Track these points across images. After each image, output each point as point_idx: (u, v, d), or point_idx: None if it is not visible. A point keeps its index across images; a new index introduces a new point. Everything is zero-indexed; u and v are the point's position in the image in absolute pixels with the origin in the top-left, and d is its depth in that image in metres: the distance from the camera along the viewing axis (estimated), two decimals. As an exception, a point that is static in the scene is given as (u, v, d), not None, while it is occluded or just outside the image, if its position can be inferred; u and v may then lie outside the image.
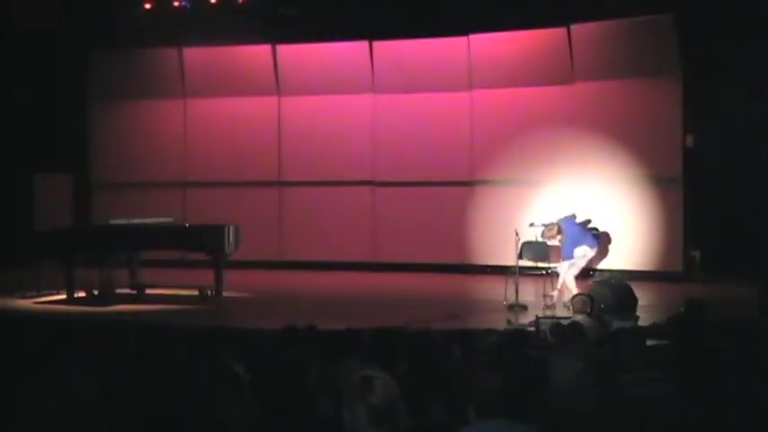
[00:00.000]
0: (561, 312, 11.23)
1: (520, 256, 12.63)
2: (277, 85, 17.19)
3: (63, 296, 13.06)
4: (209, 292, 13.24)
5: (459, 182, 16.31)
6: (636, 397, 4.61)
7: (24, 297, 13.02)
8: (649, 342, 6.25)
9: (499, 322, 10.76)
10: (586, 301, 10.65)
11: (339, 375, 4.55)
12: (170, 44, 17.30)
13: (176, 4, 17.00)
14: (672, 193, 14.77)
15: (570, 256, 12.46)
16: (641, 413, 4.47)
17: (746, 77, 13.73)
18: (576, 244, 12.52)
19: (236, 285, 13.71)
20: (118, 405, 4.13)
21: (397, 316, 10.89)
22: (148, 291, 13.50)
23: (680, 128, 14.71)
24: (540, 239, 12.76)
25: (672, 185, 14.76)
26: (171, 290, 13.48)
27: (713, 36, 14.10)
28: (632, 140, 14.91)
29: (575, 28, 15.29)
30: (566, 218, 12.94)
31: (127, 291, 13.48)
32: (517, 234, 12.48)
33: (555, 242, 12.80)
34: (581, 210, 13.70)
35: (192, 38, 16.87)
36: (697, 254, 14.66)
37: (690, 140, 14.71)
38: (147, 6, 16.97)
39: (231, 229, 13.47)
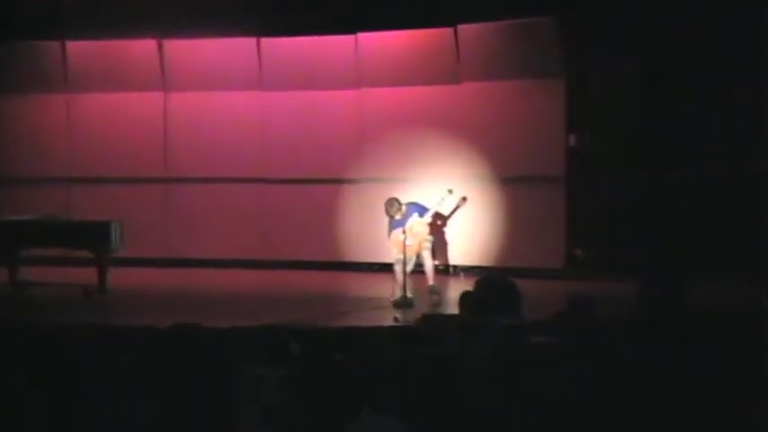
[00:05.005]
0: (448, 310, 11.31)
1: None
2: (163, 80, 16.96)
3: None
4: (92, 291, 13.04)
5: (348, 179, 16.29)
6: (527, 393, 4.70)
7: None
8: (535, 339, 6.36)
9: (386, 319, 10.86)
10: (471, 298, 10.74)
11: (227, 375, 4.54)
12: (52, 37, 16.90)
13: (60, -6, 16.64)
14: (554, 192, 15.03)
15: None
16: (532, 409, 4.56)
17: (628, 77, 14.14)
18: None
19: (122, 283, 13.50)
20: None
21: (284, 314, 10.90)
22: (29, 289, 13.26)
23: (563, 127, 14.98)
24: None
25: (554, 184, 15.02)
26: (53, 288, 13.22)
27: (596, 37, 14.40)
28: (516, 140, 15.14)
29: (461, 28, 15.46)
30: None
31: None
32: (404, 232, 12.52)
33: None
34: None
35: (75, 30, 16.52)
36: (579, 251, 14.95)
37: (573, 140, 15.00)
38: (30, -4, 16.58)
39: (116, 225, 13.28)
